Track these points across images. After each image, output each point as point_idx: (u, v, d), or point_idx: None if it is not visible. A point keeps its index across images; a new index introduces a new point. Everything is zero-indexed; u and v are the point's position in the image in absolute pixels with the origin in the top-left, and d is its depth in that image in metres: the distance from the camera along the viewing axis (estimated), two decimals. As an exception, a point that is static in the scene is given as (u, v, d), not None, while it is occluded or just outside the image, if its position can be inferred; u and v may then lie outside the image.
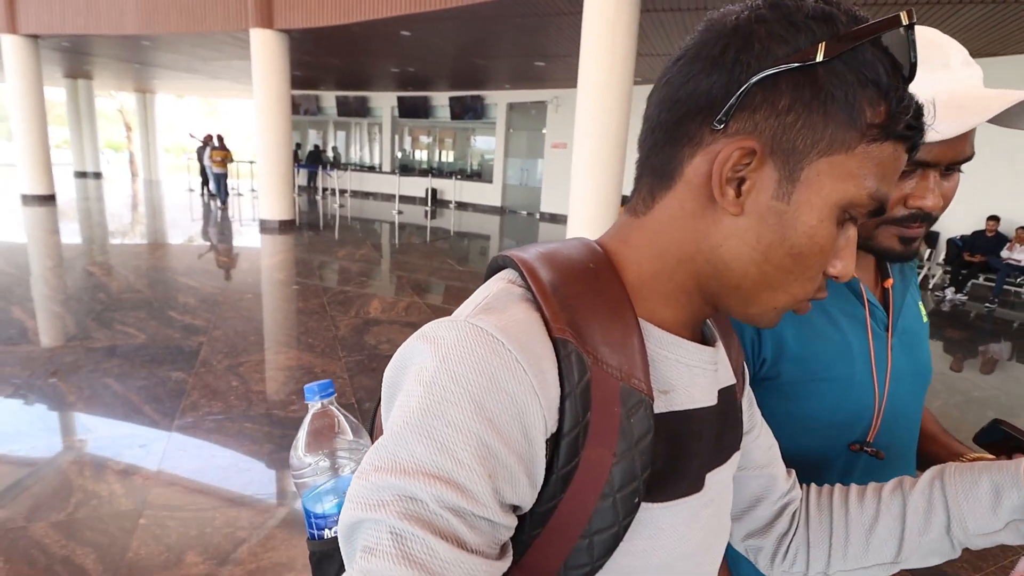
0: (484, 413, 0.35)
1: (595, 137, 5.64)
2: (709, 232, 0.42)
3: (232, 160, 12.89)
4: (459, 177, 15.64)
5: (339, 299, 5.48)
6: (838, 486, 0.62)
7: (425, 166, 17.11)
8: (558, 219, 13.05)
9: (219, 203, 12.80)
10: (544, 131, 13.81)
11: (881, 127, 0.39)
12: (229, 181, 13.48)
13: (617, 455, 0.39)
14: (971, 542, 0.53)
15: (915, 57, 0.40)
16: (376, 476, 0.35)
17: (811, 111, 0.38)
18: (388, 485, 0.34)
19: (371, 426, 0.54)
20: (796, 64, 0.38)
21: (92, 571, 1.92)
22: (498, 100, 14.68)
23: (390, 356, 2.76)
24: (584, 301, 0.41)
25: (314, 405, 0.51)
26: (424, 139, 17.60)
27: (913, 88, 0.41)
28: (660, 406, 0.43)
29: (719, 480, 0.50)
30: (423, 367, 0.37)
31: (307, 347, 4.16)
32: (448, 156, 17.19)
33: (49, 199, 11.73)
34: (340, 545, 0.37)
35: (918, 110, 0.40)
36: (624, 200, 9.73)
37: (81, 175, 18.94)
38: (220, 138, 12.89)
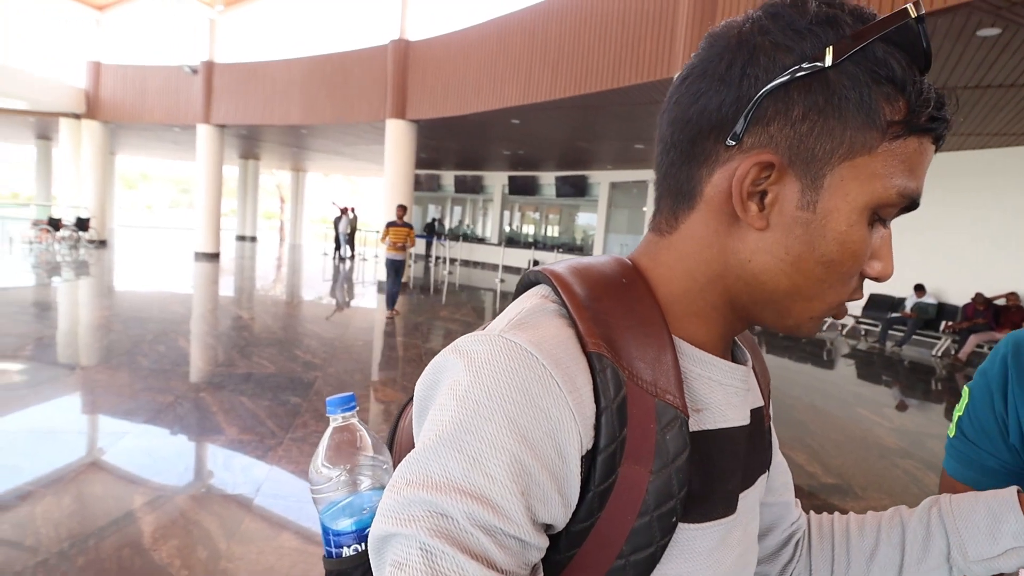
0: (518, 429, 0.34)
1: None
2: (736, 249, 0.42)
3: (413, 244, 7.84)
4: (561, 250, 16.32)
5: (435, 351, 6.04)
6: (837, 515, 0.62)
7: (530, 239, 18.06)
8: (656, 294, 13.09)
9: (388, 307, 7.77)
10: (644, 209, 14.21)
11: (902, 123, 0.38)
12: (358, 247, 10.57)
13: (654, 472, 0.38)
14: (970, 569, 0.51)
15: (928, 46, 0.38)
16: (408, 490, 0.35)
17: (826, 117, 0.38)
18: (420, 500, 0.34)
19: (391, 439, 0.54)
20: (805, 71, 0.37)
21: (215, 534, 2.42)
22: (601, 179, 15.44)
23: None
24: (618, 316, 0.40)
25: (335, 419, 0.49)
26: (531, 214, 18.69)
27: None
28: (693, 424, 0.42)
29: (748, 502, 0.49)
30: (457, 381, 0.37)
31: (402, 388, 4.71)
32: (552, 231, 18.07)
33: (215, 256, 13.99)
34: (370, 557, 0.37)
35: (939, 100, 0.39)
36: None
37: (241, 238, 22.23)
38: (403, 209, 7.74)
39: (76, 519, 2.45)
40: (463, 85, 9.52)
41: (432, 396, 0.40)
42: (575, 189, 16.05)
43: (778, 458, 0.60)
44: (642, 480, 0.38)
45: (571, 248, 16.66)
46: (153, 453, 3.15)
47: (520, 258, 16.86)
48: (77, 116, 14.74)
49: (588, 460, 0.37)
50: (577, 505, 0.38)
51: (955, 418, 0.71)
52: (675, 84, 0.44)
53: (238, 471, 3.01)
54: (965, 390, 0.70)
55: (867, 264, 0.42)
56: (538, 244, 17.33)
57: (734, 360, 0.50)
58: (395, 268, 7.69)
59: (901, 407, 5.63)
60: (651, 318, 0.42)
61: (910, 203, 0.41)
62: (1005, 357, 0.65)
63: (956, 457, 0.69)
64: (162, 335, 5.85)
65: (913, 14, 0.37)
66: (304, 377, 4.73)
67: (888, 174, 0.39)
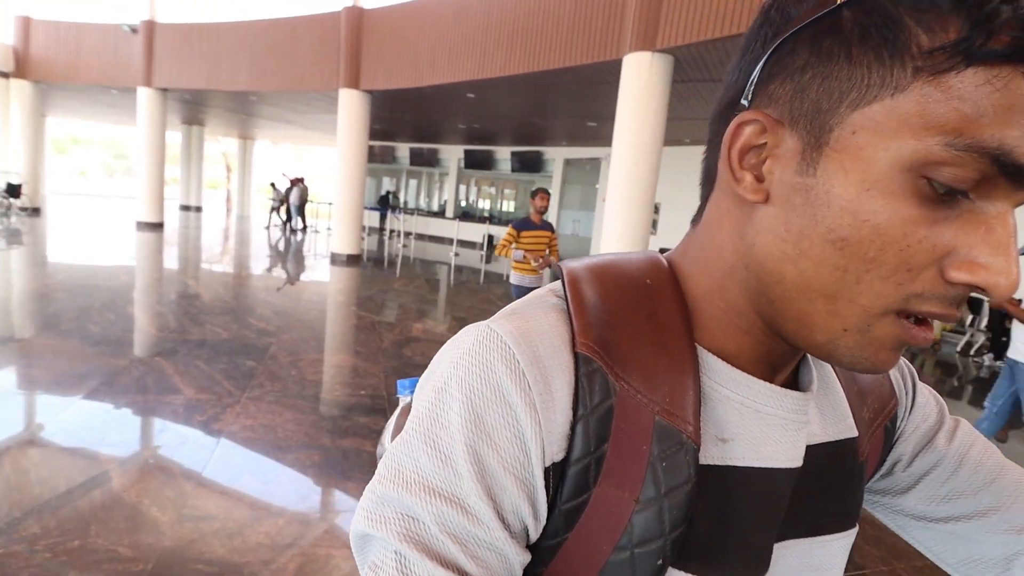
0: (483, 426, 0.32)
1: (626, 193, 6.29)
2: (744, 230, 0.35)
3: (557, 257, 4.73)
4: (516, 225, 16.54)
5: (387, 320, 6.26)
6: None
7: (486, 214, 18.23)
8: (606, 269, 13.58)
9: None
10: (597, 186, 14.59)
11: (950, 48, 0.26)
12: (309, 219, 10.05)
13: (640, 502, 0.33)
14: None
15: None
16: (380, 487, 0.33)
17: (831, 60, 0.30)
18: (390, 499, 0.33)
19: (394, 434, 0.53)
20: (814, 16, 0.30)
21: (182, 484, 2.62)
22: (556, 156, 15.69)
23: (423, 364, 3.63)
24: (627, 319, 0.36)
25: (404, 399, 0.51)
26: (487, 189, 18.83)
27: None
28: (713, 456, 0.35)
29: (801, 559, 0.40)
30: (441, 371, 0.35)
31: (355, 353, 4.91)
32: (508, 205, 18.27)
33: (158, 226, 13.54)
34: (353, 553, 0.35)
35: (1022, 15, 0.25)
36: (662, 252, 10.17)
37: (185, 208, 21.42)
38: (545, 198, 4.66)
39: (17, 494, 2.59)
40: (418, 57, 9.50)
41: (424, 385, 0.39)
42: (530, 164, 16.25)
43: (965, 463, 0.46)
44: (624, 508, 0.33)
45: (525, 223, 16.89)
46: (107, 416, 3.27)
47: (476, 232, 17.02)
48: (5, 75, 13.80)
49: (557, 472, 0.34)
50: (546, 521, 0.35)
51: None
52: None
53: (197, 427, 3.18)
54: None
55: (951, 259, 0.29)
56: (493, 219, 17.51)
57: (796, 384, 0.41)
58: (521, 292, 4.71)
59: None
60: (671, 325, 0.36)
61: (996, 162, 0.27)
62: None
63: None
64: (110, 303, 5.81)
65: None
66: (259, 343, 4.86)
67: (929, 119, 0.27)
